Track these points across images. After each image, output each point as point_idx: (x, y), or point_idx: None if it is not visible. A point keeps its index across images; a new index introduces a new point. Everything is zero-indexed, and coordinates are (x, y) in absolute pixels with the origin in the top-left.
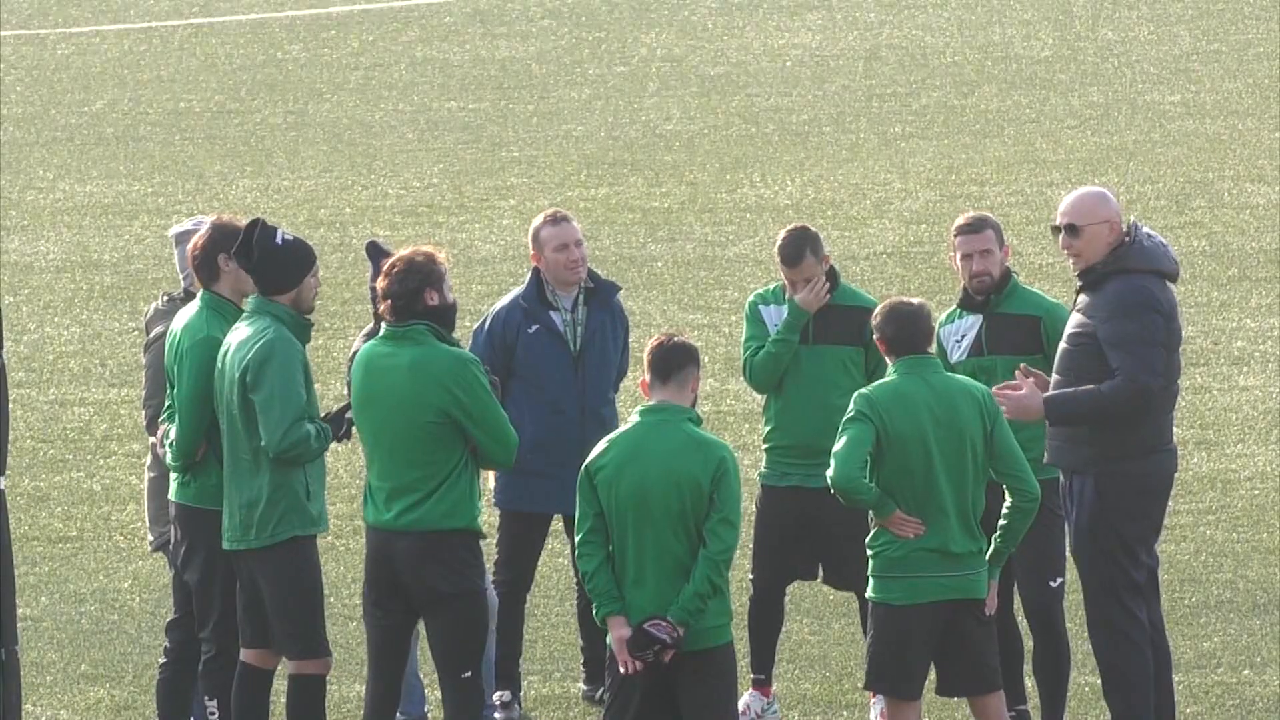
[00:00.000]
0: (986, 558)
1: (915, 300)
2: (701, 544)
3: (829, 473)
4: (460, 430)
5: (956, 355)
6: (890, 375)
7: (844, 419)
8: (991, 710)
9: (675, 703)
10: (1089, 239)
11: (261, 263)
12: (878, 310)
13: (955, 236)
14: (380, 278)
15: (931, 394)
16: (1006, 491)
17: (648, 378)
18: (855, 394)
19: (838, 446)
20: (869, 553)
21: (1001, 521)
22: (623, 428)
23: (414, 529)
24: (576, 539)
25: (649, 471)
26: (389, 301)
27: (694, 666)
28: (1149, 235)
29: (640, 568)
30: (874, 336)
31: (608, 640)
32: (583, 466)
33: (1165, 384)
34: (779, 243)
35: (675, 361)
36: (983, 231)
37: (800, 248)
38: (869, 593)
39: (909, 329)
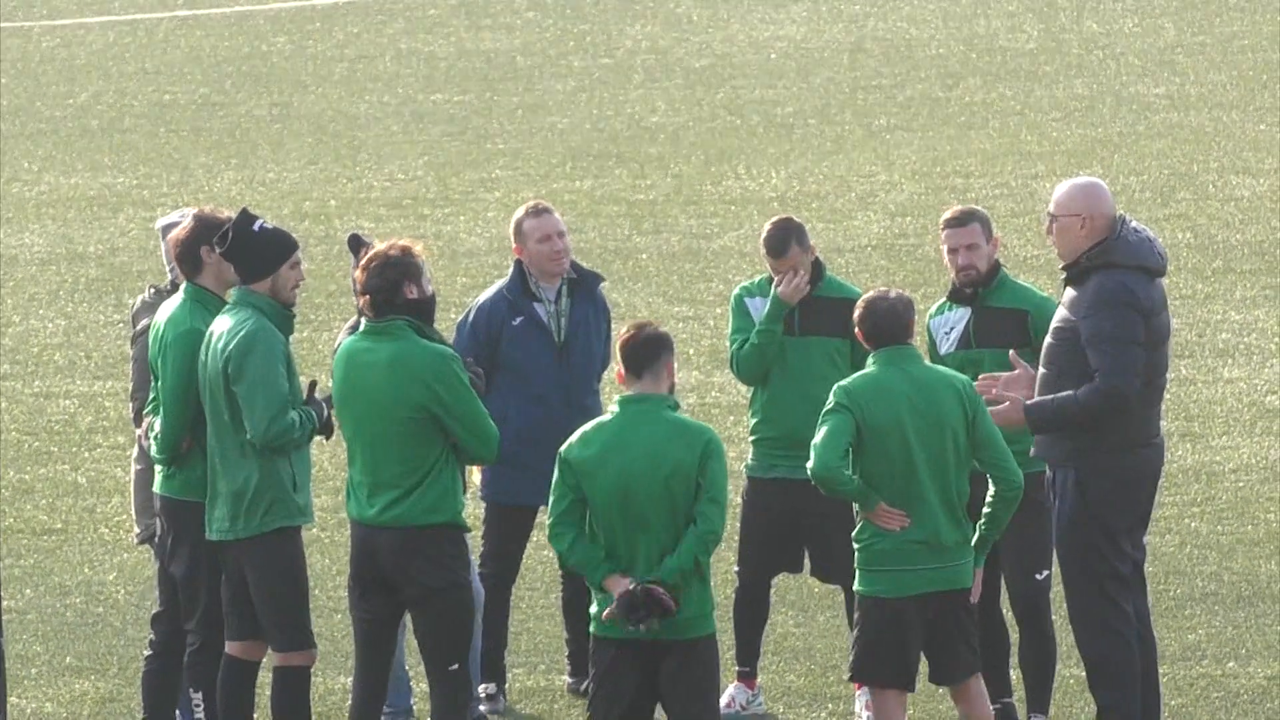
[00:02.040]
0: (971, 545)
1: (895, 292)
2: (690, 523)
3: (809, 464)
4: (440, 425)
5: (945, 347)
6: (869, 367)
7: (823, 411)
8: (973, 693)
9: (657, 692)
10: (1060, 230)
11: (235, 248)
12: (859, 302)
13: (942, 230)
14: (358, 272)
15: (910, 384)
16: (990, 480)
17: (621, 371)
18: (835, 386)
19: (817, 438)
20: (855, 546)
21: (985, 510)
22: (601, 419)
23: (397, 524)
24: (548, 521)
25: (634, 462)
26: (367, 296)
27: (677, 657)
28: (1135, 230)
29: (631, 557)
30: (855, 329)
31: (590, 630)
32: (560, 454)
33: (1144, 383)
34: (764, 234)
35: (648, 354)
36: (969, 225)
37: (785, 238)
38: (856, 585)
39: (887, 321)
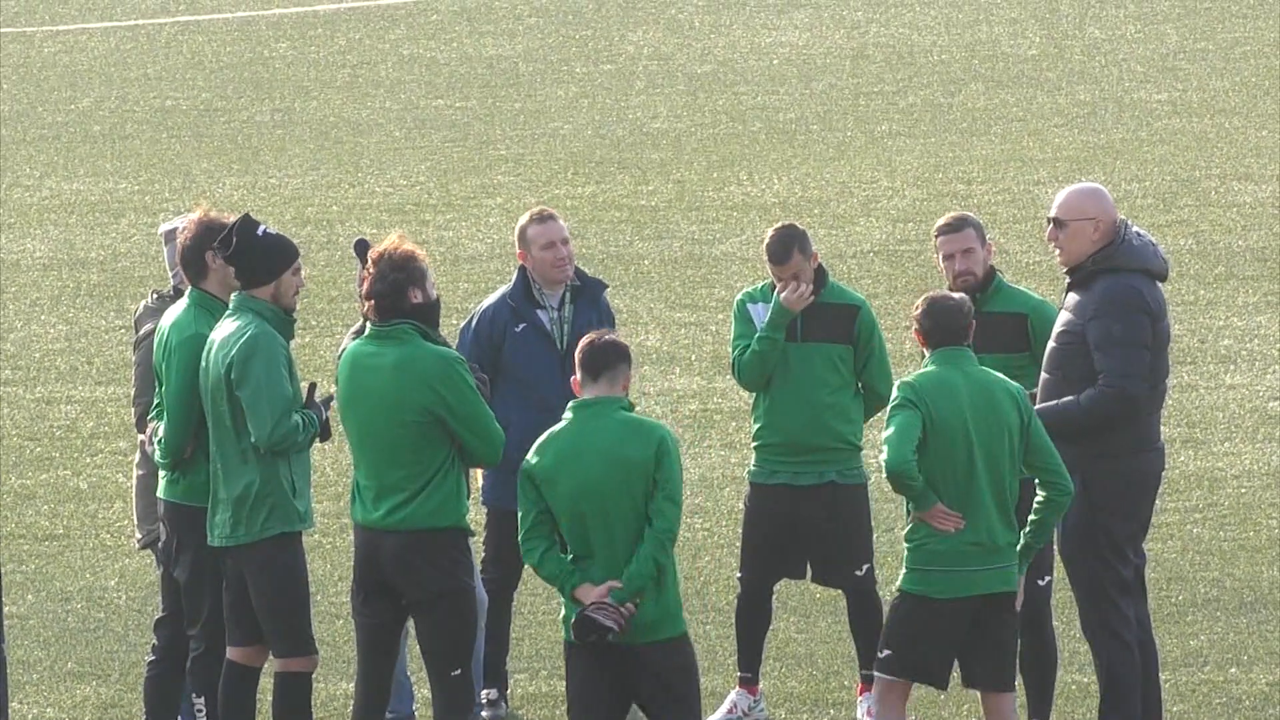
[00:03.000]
0: (1017, 550)
1: (956, 295)
2: (647, 522)
3: (882, 458)
4: (446, 429)
5: None
6: (928, 366)
7: (890, 406)
8: (1006, 710)
9: (631, 690)
10: (1071, 234)
11: (239, 253)
12: (919, 302)
13: (937, 237)
14: (363, 274)
15: (970, 385)
16: (1039, 486)
17: (578, 375)
18: (898, 382)
19: (888, 433)
20: (906, 546)
21: (1033, 517)
22: (556, 426)
23: (401, 528)
24: (520, 538)
25: (592, 465)
26: (372, 301)
27: (648, 661)
28: (1138, 234)
29: (611, 558)
30: (913, 327)
31: (566, 637)
32: (520, 469)
33: (1150, 386)
34: (767, 240)
35: (605, 360)
36: (963, 230)
37: (788, 245)
38: (901, 584)
39: (950, 320)
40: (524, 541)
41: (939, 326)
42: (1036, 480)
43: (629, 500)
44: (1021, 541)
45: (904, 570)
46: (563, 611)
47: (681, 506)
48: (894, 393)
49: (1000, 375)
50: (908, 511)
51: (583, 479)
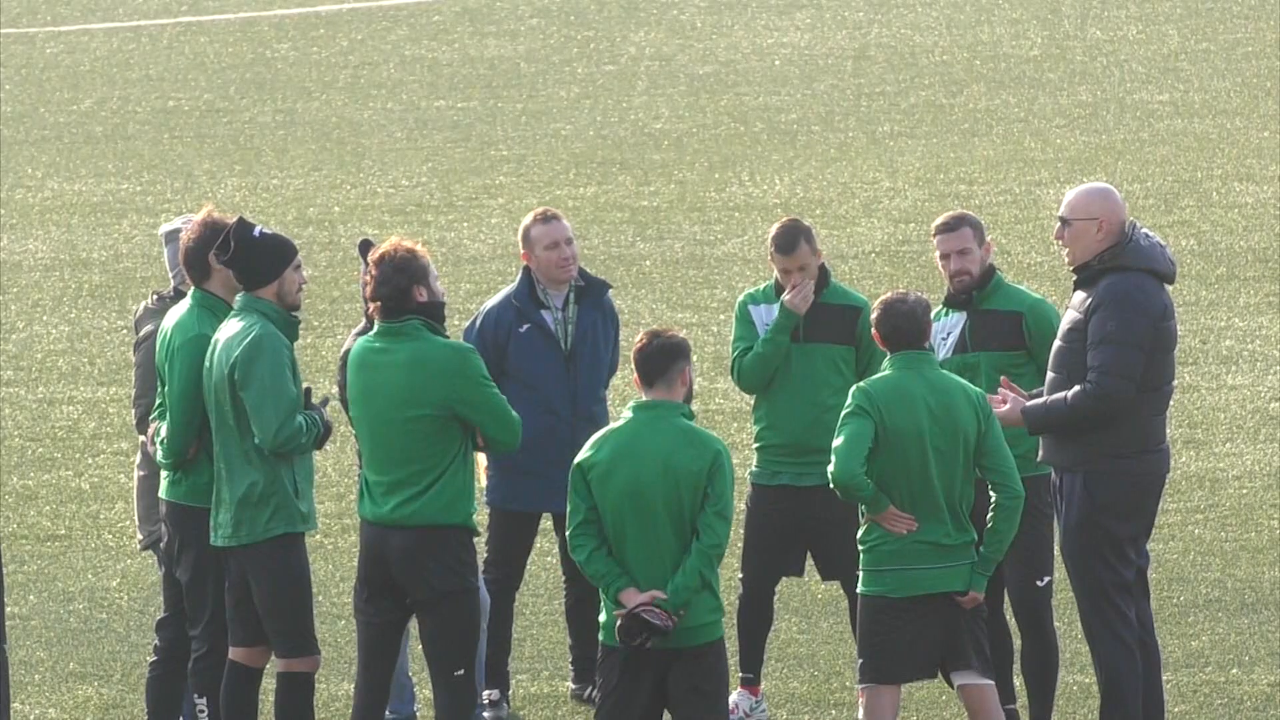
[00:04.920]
0: (976, 565)
1: (913, 295)
2: (694, 536)
3: (830, 468)
4: (456, 424)
5: (943, 353)
6: (886, 370)
7: (844, 413)
8: (989, 703)
9: (665, 699)
10: (1076, 233)
11: (238, 256)
12: (877, 304)
13: (934, 236)
14: (366, 277)
15: (928, 389)
16: (991, 488)
17: (637, 378)
18: (853, 388)
19: (838, 442)
20: (861, 548)
21: (988, 526)
22: (615, 424)
23: (410, 523)
24: (568, 532)
25: (645, 467)
26: (378, 302)
27: (685, 665)
28: (1146, 235)
29: (651, 564)
30: (871, 330)
31: (600, 638)
32: (574, 462)
33: (1151, 389)
34: (773, 232)
35: (660, 365)
36: (959, 230)
37: (794, 237)
38: (860, 587)
39: (906, 323)
40: (572, 538)
41: (897, 330)
42: (989, 483)
43: (675, 508)
44: (980, 556)
45: (861, 573)
46: (603, 616)
47: (730, 523)
48: (848, 399)
49: (960, 379)
50: (861, 514)
51: (634, 478)
